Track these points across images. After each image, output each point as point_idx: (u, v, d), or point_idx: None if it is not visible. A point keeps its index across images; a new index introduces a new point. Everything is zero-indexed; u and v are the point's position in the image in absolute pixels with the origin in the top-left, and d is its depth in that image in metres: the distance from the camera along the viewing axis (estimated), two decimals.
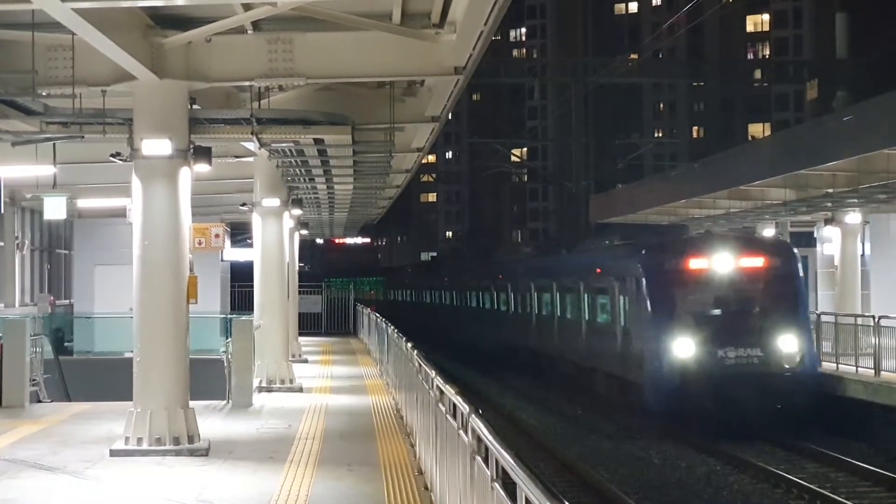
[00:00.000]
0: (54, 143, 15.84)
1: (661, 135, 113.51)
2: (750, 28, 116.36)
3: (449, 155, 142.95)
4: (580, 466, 18.61)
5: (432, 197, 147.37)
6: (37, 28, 11.93)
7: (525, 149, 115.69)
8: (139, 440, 13.17)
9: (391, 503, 10.50)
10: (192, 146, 13.70)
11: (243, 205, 24.79)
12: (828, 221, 29.33)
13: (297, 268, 33.66)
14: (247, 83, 14.57)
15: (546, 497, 4.94)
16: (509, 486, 5.80)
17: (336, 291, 46.63)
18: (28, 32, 12.01)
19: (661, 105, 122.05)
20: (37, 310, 28.63)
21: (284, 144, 17.62)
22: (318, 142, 19.05)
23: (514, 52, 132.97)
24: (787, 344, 22.33)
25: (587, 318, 27.62)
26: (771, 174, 26.41)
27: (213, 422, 16.18)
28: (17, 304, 28.57)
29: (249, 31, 13.27)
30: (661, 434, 22.05)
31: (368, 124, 17.64)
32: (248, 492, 11.14)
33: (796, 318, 22.85)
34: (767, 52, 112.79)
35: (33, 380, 19.44)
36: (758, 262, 23.25)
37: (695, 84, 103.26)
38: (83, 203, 26.66)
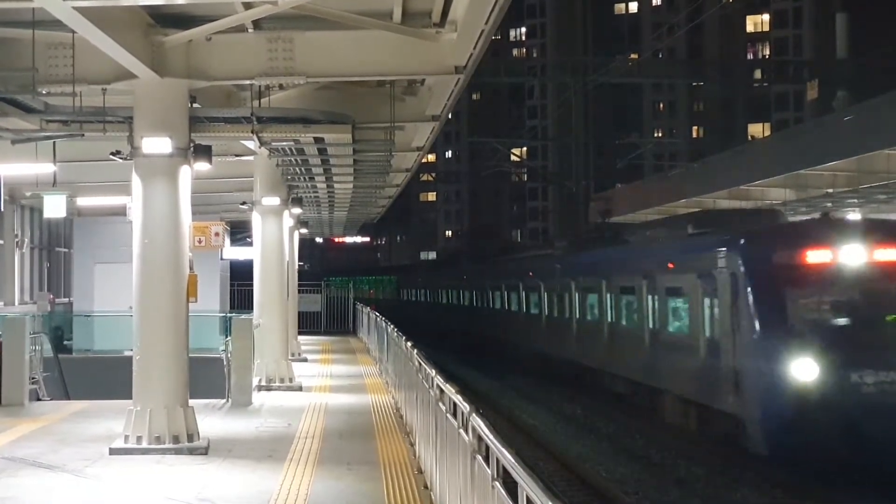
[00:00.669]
0: (54, 142, 15.83)
1: (660, 135, 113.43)
2: (750, 28, 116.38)
3: (449, 154, 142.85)
4: (580, 466, 18.57)
5: (432, 196, 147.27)
6: (37, 26, 11.91)
7: (525, 148, 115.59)
8: (139, 439, 13.17)
9: (391, 502, 10.50)
10: (192, 144, 13.70)
11: (243, 203, 24.78)
12: None
13: (296, 266, 33.64)
14: (247, 82, 14.58)
15: (547, 496, 4.94)
16: (510, 486, 5.81)
17: (336, 290, 46.62)
18: (28, 30, 11.99)
19: (661, 105, 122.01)
20: (36, 308, 28.63)
21: (284, 143, 17.65)
22: (318, 140, 19.09)
23: (514, 52, 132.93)
24: None
25: (651, 325, 21.87)
26: (771, 174, 26.46)
27: (212, 420, 16.18)
28: (16, 302, 28.60)
29: (250, 30, 13.27)
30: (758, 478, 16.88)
31: (368, 123, 17.64)
32: (247, 490, 11.13)
33: None
34: (767, 52, 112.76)
35: (33, 378, 19.43)
36: None
37: (695, 84, 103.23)
38: (83, 201, 26.69)
